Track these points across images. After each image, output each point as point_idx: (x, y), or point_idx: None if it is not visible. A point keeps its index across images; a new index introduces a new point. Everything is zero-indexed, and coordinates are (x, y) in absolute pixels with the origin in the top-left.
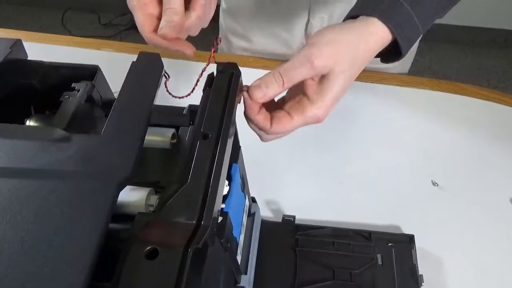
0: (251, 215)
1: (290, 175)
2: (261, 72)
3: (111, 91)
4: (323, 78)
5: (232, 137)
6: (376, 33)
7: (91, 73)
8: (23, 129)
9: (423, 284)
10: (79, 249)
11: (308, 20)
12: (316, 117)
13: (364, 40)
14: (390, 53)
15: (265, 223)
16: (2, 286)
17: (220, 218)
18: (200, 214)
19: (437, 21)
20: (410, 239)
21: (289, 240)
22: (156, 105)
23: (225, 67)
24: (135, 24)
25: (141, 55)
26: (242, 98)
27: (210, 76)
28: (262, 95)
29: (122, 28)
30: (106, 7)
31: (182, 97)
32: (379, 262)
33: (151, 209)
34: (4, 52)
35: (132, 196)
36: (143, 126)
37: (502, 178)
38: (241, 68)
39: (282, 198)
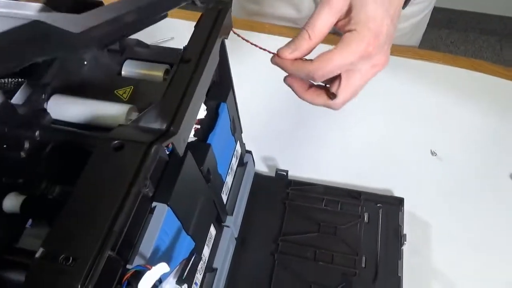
0: (243, 164)
1: (290, 136)
2: (277, 38)
3: None
4: (349, 11)
5: (215, 66)
6: None
7: None
8: None
9: (405, 243)
10: None
11: None
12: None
13: None
14: None
15: (258, 176)
16: None
17: (194, 138)
18: (169, 123)
19: (473, 9)
20: (400, 201)
21: (281, 194)
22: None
23: (216, 3)
24: None
25: None
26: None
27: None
28: (290, 51)
29: None
30: None
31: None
32: (366, 220)
33: None
34: None
35: (114, 109)
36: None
37: (504, 155)
38: (257, 34)
39: (280, 156)
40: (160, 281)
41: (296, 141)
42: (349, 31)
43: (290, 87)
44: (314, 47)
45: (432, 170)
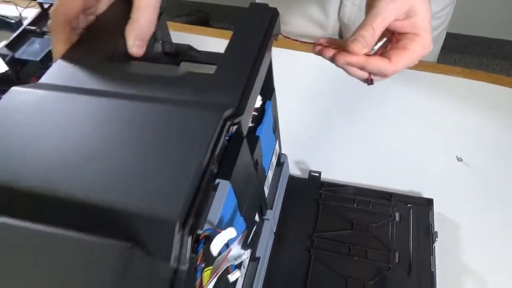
0: (280, 164)
1: (321, 139)
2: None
3: (170, 36)
4: (409, 14)
5: (268, 62)
6: None
7: None
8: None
9: (437, 240)
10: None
11: (341, 3)
12: (428, 46)
13: None
14: None
15: (292, 178)
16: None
17: (252, 124)
18: (238, 103)
19: (486, 35)
20: (429, 202)
21: (314, 194)
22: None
23: (267, 9)
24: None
25: (252, 5)
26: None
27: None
28: (362, 47)
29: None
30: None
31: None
32: (397, 219)
33: None
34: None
35: None
36: (249, 70)
37: None
38: (286, 50)
39: (311, 159)
40: (227, 246)
41: (327, 145)
42: (413, 34)
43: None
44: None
45: (458, 175)
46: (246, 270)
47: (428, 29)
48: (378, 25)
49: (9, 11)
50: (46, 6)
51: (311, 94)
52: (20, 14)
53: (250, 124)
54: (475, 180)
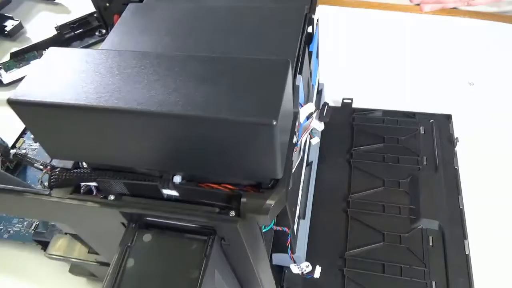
0: (319, 92)
1: (348, 72)
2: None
3: None
4: None
5: None
6: None
7: None
8: None
9: (458, 143)
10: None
11: None
12: None
13: None
14: None
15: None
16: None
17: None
18: (310, 4)
19: None
20: (448, 117)
21: (347, 118)
22: None
23: None
24: None
25: None
26: None
27: None
28: None
29: None
30: None
31: None
32: (422, 132)
33: None
34: None
35: None
36: None
37: None
38: None
39: (341, 91)
40: (307, 118)
41: (353, 78)
42: None
43: None
44: None
45: (470, 95)
46: (304, 174)
47: None
48: None
49: None
50: None
51: (335, 39)
52: None
53: None
54: (485, 99)
